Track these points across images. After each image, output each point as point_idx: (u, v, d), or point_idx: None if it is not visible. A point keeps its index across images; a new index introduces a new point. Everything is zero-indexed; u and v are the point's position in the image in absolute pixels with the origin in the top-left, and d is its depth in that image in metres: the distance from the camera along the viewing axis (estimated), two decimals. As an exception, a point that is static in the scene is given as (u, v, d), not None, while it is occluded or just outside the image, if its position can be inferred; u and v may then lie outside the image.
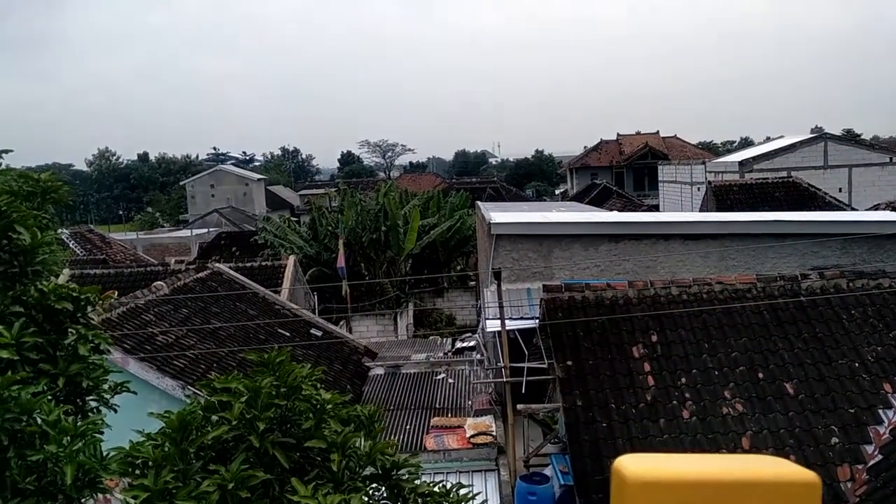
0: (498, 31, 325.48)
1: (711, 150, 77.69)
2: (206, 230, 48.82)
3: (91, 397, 4.29)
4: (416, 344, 22.28)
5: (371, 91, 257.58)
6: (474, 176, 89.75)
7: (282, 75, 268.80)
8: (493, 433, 11.83)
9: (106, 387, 4.32)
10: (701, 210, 31.34)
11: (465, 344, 19.40)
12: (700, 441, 8.94)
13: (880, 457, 8.47)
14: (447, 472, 11.02)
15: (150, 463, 3.51)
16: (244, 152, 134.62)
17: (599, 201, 44.37)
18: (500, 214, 16.90)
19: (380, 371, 15.96)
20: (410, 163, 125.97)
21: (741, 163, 35.00)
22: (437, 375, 15.31)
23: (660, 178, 47.84)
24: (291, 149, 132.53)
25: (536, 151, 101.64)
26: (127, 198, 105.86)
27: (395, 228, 29.38)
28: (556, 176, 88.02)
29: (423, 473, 4.39)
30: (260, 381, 3.72)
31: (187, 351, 12.24)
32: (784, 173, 31.37)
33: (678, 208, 41.63)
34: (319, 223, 31.44)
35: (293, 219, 41.63)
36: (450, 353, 18.84)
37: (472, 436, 11.80)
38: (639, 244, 14.92)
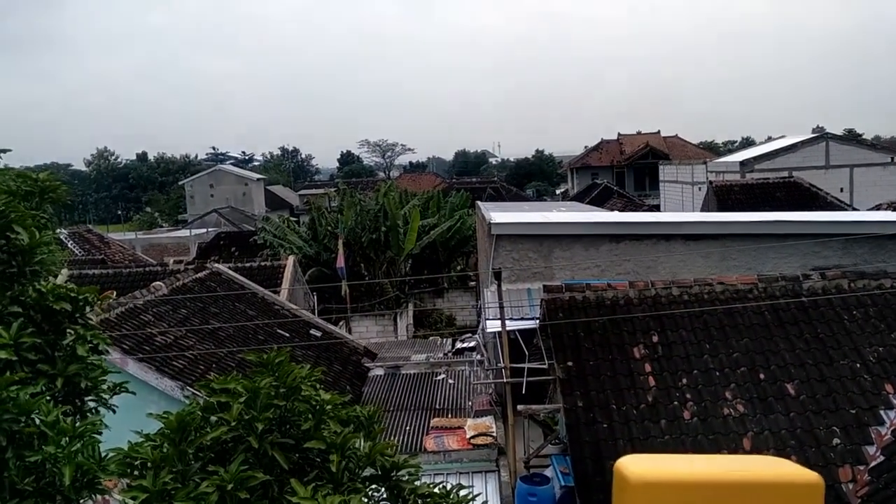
0: (498, 30, 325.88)
1: (712, 149, 77.74)
2: (205, 230, 48.81)
3: (90, 398, 4.28)
4: (415, 344, 22.25)
5: (371, 90, 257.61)
6: (474, 176, 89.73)
7: (281, 75, 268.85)
8: (494, 434, 11.81)
9: (105, 387, 4.31)
10: (702, 210, 31.33)
11: (465, 344, 19.38)
12: (701, 442, 8.91)
13: (882, 458, 8.44)
14: (447, 473, 10.99)
15: (149, 464, 3.50)
16: (243, 152, 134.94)
17: (600, 201, 44.36)
18: (501, 214, 16.88)
19: (379, 372, 15.94)
20: (410, 163, 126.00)
21: (742, 163, 35.02)
22: (437, 376, 15.29)
23: (661, 178, 47.86)
24: (291, 148, 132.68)
25: (537, 151, 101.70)
26: (126, 198, 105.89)
27: (394, 228, 29.36)
28: (557, 176, 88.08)
29: (423, 474, 4.37)
30: (259, 381, 3.71)
31: (186, 351, 12.22)
32: (785, 173, 31.39)
33: (679, 208, 41.65)
34: (319, 223, 31.42)
35: (292, 219, 41.63)
36: (450, 354, 18.82)
37: (473, 437, 11.77)
38: (640, 244, 14.89)
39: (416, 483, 4.03)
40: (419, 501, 3.97)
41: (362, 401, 13.66)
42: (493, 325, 12.19)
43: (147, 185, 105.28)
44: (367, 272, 30.34)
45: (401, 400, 14.13)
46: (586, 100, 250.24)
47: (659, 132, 66.47)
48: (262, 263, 22.07)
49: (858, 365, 9.53)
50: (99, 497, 3.61)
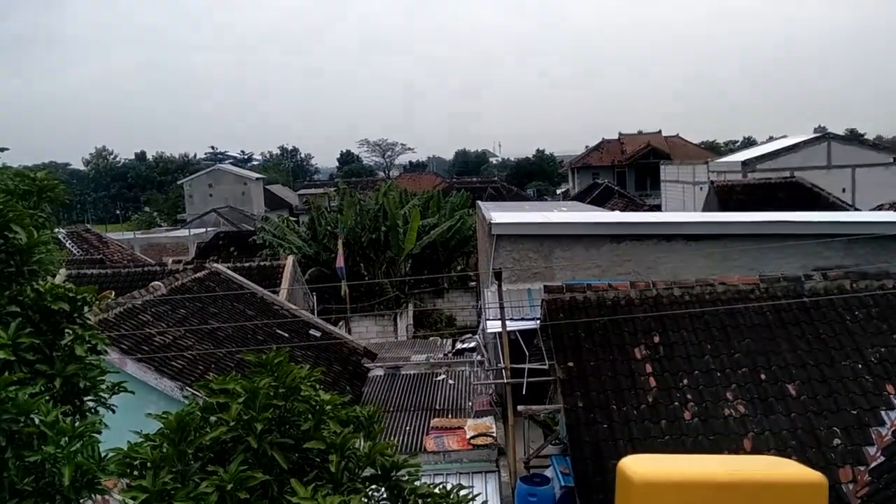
0: (498, 30, 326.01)
1: (714, 149, 77.77)
2: (203, 230, 48.77)
3: (89, 398, 4.26)
4: (415, 345, 22.23)
5: (371, 90, 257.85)
6: (475, 175, 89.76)
7: (281, 74, 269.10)
8: (494, 434, 11.80)
9: (104, 387, 4.29)
10: (703, 210, 31.30)
11: (465, 345, 19.36)
12: (701, 442, 8.90)
13: (882, 458, 8.43)
14: (447, 474, 10.98)
15: (149, 464, 3.49)
16: (242, 151, 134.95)
17: (601, 201, 44.34)
18: (501, 214, 16.87)
19: (379, 372, 15.92)
20: (410, 162, 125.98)
21: (744, 163, 35.01)
22: (437, 376, 15.27)
23: (662, 178, 47.83)
24: (290, 148, 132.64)
25: (537, 151, 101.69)
26: (124, 197, 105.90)
27: (394, 228, 29.35)
28: (558, 175, 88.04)
29: (423, 474, 4.36)
30: (258, 381, 3.70)
31: (185, 351, 12.20)
32: (787, 173, 31.35)
33: (680, 208, 41.61)
34: (318, 223, 31.40)
35: (292, 218, 41.62)
36: (450, 354, 18.80)
37: (473, 437, 11.76)
38: (641, 244, 14.88)
39: (416, 483, 4.01)
40: (419, 501, 3.96)
41: (362, 401, 13.65)
42: (493, 326, 12.17)
43: (146, 185, 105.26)
44: (366, 272, 30.32)
45: (401, 400, 14.12)
46: (588, 99, 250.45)
47: (660, 132, 66.49)
48: (262, 263, 22.05)
49: (860, 365, 9.52)
50: (98, 497, 3.60)
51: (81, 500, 3.52)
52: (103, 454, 3.56)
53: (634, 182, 61.29)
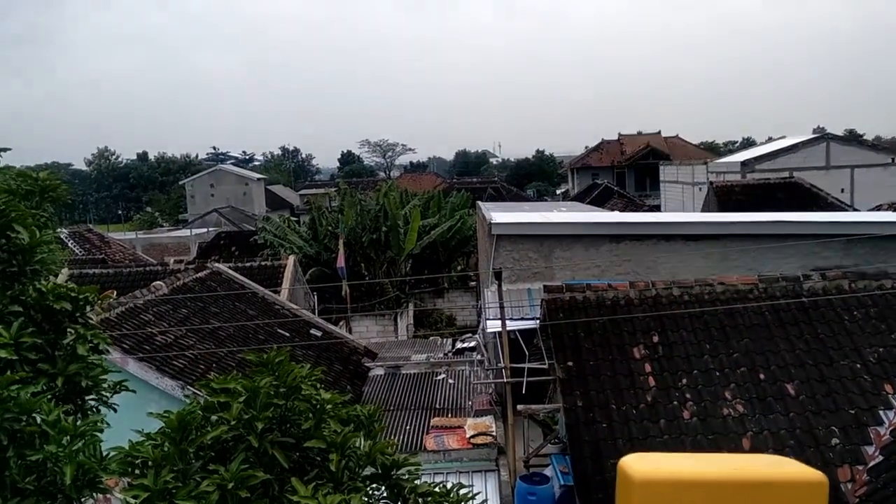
0: (499, 30, 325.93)
1: (713, 150, 77.70)
2: (205, 230, 48.82)
3: (90, 397, 4.28)
4: (416, 344, 22.26)
5: (371, 90, 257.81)
6: (475, 176, 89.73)
7: (282, 75, 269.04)
8: (494, 433, 11.82)
9: (105, 386, 4.31)
10: (703, 210, 31.31)
11: (465, 344, 19.38)
12: (700, 442, 8.92)
13: (881, 458, 8.45)
14: (447, 473, 11.00)
15: (150, 463, 3.51)
16: (244, 152, 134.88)
17: (601, 201, 44.33)
18: (501, 214, 16.90)
19: (380, 371, 15.95)
20: (411, 162, 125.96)
21: (743, 163, 35.02)
22: (437, 376, 15.29)
23: (661, 179, 47.83)
24: (291, 148, 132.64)
25: (537, 151, 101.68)
26: (126, 197, 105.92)
27: (395, 228, 29.37)
28: (557, 176, 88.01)
29: (423, 473, 4.38)
30: (259, 381, 3.72)
31: (186, 351, 12.22)
32: (786, 174, 31.35)
33: (680, 209, 41.62)
34: (319, 223, 31.42)
35: (293, 219, 41.61)
36: (450, 354, 18.82)
37: (473, 436, 11.78)
38: (640, 244, 14.90)
39: (416, 482, 4.03)
40: (419, 500, 3.98)
41: (362, 400, 13.67)
42: (493, 325, 12.19)
43: (147, 185, 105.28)
44: (367, 272, 30.34)
45: (401, 399, 14.14)
46: (587, 100, 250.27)
47: (659, 132, 66.48)
48: (263, 263, 22.08)
49: (858, 365, 9.53)
50: (100, 496, 3.62)
51: (83, 499, 3.53)
52: (105, 453, 3.58)
53: (634, 182, 61.29)
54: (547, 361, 10.45)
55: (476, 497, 4.24)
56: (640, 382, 9.66)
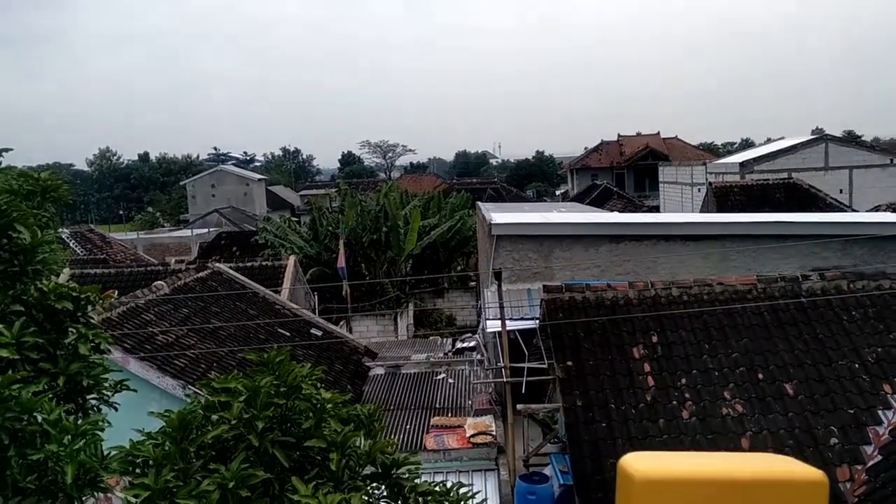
0: (499, 31, 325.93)
1: (712, 151, 77.62)
2: (206, 230, 48.85)
3: (91, 396, 4.30)
4: (416, 344, 22.28)
5: (372, 91, 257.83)
6: (475, 177, 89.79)
7: (283, 75, 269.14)
8: (493, 433, 11.83)
9: (107, 385, 4.33)
10: (702, 211, 31.33)
11: (465, 344, 19.40)
12: (699, 441, 8.93)
13: (879, 457, 8.47)
14: (447, 472, 11.02)
15: (151, 462, 3.52)
16: (245, 152, 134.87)
17: (600, 202, 44.34)
18: (501, 215, 16.92)
19: (380, 371, 15.96)
20: (411, 163, 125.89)
21: (742, 164, 35.03)
22: (437, 375, 15.31)
23: (660, 180, 47.83)
24: (292, 149, 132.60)
25: (537, 152, 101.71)
26: (127, 198, 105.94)
27: (395, 229, 29.39)
28: (557, 177, 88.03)
29: (422, 473, 4.39)
30: (259, 380, 3.73)
31: (187, 350, 12.24)
32: (785, 174, 31.37)
33: (679, 209, 41.62)
34: (320, 223, 31.44)
35: (294, 219, 41.62)
36: (450, 354, 18.84)
37: (472, 435, 11.80)
38: (639, 245, 14.92)
39: (416, 481, 4.04)
40: (419, 499, 3.99)
41: (363, 400, 13.68)
42: (493, 325, 12.21)
43: (149, 185, 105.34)
44: (367, 272, 30.37)
45: (401, 399, 14.16)
46: (587, 101, 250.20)
47: (658, 133, 66.41)
48: (264, 263, 22.09)
49: (857, 365, 9.55)
50: (101, 495, 3.63)
51: (84, 498, 3.54)
52: (106, 452, 3.59)
53: (633, 183, 61.25)
54: (546, 361, 10.46)
55: (476, 496, 4.25)
56: (639, 382, 9.68)
